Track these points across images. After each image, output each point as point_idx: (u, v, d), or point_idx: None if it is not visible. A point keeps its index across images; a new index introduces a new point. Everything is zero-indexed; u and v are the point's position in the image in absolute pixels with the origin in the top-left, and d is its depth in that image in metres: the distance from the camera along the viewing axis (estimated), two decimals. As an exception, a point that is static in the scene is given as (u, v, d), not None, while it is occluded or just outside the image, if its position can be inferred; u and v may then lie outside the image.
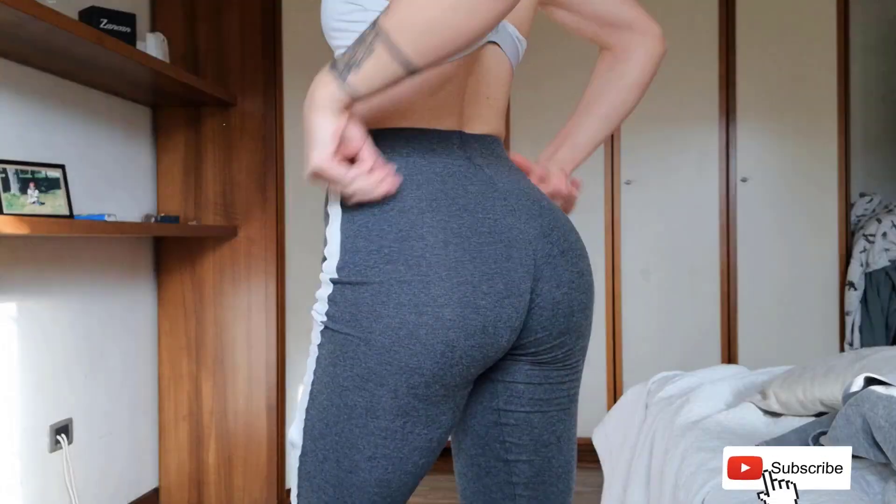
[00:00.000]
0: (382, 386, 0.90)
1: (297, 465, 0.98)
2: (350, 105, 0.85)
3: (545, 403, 1.03)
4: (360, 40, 0.82)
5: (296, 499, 0.99)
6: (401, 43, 0.80)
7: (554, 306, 0.97)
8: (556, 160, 1.19)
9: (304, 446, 0.96)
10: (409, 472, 0.95)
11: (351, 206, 0.92)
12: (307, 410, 0.96)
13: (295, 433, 0.97)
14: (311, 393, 0.95)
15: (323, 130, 0.84)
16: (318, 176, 0.86)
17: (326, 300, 0.93)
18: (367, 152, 0.88)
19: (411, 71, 0.82)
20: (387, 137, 0.94)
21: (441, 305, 0.88)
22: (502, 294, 0.91)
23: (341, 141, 0.86)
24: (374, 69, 0.82)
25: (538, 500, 1.07)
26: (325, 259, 0.95)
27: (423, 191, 0.92)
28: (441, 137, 0.95)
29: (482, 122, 1.00)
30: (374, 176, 0.88)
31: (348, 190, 0.88)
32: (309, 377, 0.96)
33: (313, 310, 0.96)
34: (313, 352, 0.96)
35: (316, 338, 0.95)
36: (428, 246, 0.89)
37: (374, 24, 0.81)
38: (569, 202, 1.20)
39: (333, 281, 0.92)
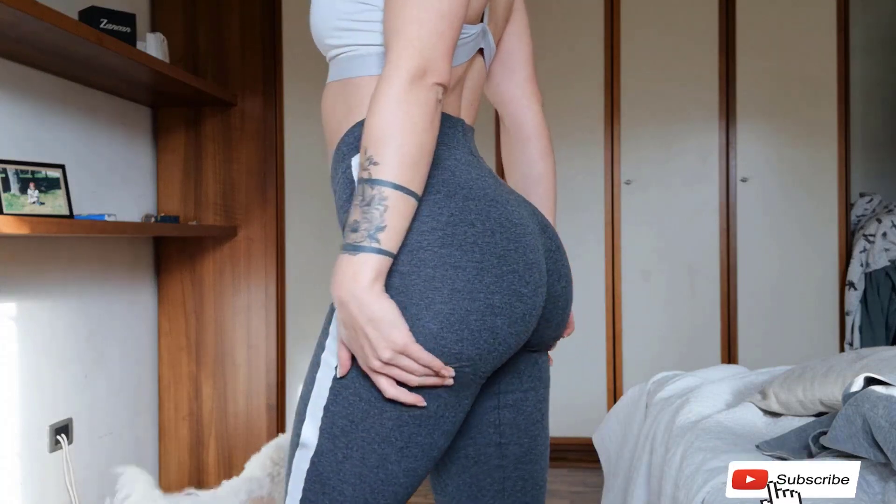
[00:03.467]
0: None
1: (305, 466, 0.94)
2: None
3: (538, 382, 1.07)
4: (362, 205, 0.84)
5: (297, 502, 0.95)
6: (406, 182, 0.84)
7: (556, 299, 1.01)
8: None
9: (319, 446, 0.92)
10: (434, 457, 0.94)
11: None
12: (326, 408, 0.92)
13: (309, 433, 0.93)
14: (333, 389, 0.92)
15: (390, 311, 0.85)
16: (401, 355, 0.86)
17: None
18: None
19: (418, 199, 0.87)
20: None
21: (492, 293, 0.89)
22: (538, 283, 0.94)
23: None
24: (398, 218, 0.84)
25: (524, 480, 1.09)
26: None
27: (458, 178, 0.93)
28: (453, 123, 0.99)
29: (470, 117, 1.06)
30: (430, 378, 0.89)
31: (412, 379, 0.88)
32: (328, 373, 0.93)
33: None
34: (331, 347, 0.93)
35: (339, 332, 0.91)
36: (479, 233, 0.90)
37: (367, 181, 0.84)
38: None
39: None
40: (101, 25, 2.16)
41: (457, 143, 0.98)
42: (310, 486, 0.93)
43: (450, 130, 0.98)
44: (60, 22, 1.77)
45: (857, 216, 3.64)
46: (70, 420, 2.28)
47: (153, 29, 2.74)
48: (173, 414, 2.77)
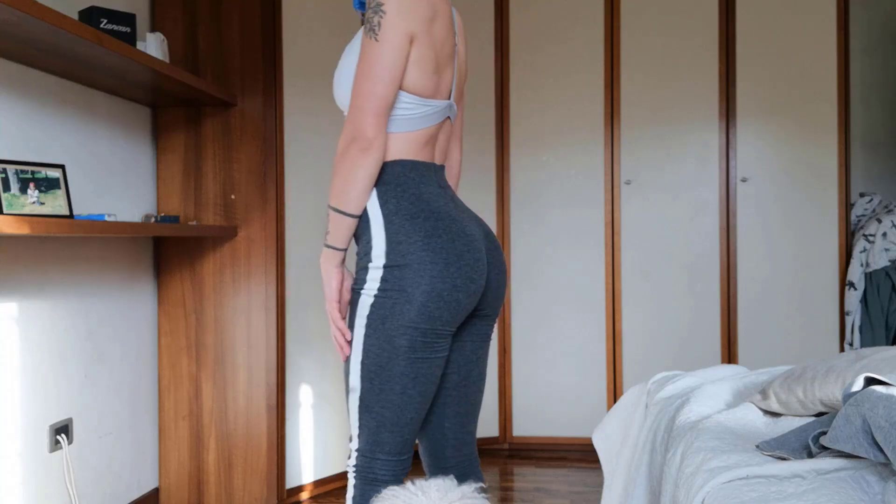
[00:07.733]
0: (417, 329, 1.42)
1: (356, 405, 1.47)
2: (343, 258, 1.50)
3: (474, 336, 1.60)
4: (328, 220, 1.48)
5: (356, 434, 1.48)
6: (338, 206, 1.44)
7: (490, 283, 1.55)
8: None
9: (361, 388, 1.46)
10: (434, 382, 1.49)
11: (387, 213, 1.45)
12: (362, 361, 1.45)
13: (354, 380, 1.47)
14: (364, 346, 1.45)
15: (329, 281, 1.51)
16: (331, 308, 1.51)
17: (379, 279, 1.44)
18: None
19: (352, 216, 1.45)
20: (405, 165, 1.48)
21: (454, 277, 1.43)
22: (482, 272, 1.49)
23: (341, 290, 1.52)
24: (335, 227, 1.47)
25: (461, 396, 1.62)
26: (367, 252, 1.45)
27: (431, 206, 1.47)
28: (427, 166, 1.52)
29: (441, 159, 1.60)
30: (339, 336, 1.49)
31: (332, 329, 1.51)
32: (360, 338, 1.45)
33: (363, 289, 1.45)
34: (360, 321, 1.45)
35: (364, 310, 1.45)
36: (443, 241, 1.44)
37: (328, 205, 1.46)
38: None
39: (384, 266, 1.43)
40: (101, 25, 2.16)
41: (430, 180, 1.50)
42: (361, 416, 1.47)
43: (427, 172, 1.50)
44: (60, 22, 1.78)
45: (857, 216, 3.64)
46: (70, 420, 2.28)
47: (153, 29, 2.74)
48: (173, 414, 2.77)
